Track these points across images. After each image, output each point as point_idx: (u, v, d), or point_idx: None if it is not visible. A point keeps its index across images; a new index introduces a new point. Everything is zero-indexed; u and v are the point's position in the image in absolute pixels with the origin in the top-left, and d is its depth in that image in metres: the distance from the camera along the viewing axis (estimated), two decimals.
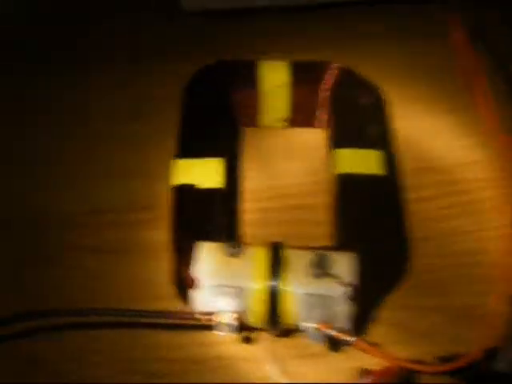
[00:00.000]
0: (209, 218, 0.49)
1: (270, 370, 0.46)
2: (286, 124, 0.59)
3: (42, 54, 0.65)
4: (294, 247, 0.46)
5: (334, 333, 0.43)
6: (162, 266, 0.50)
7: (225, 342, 0.48)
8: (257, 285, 0.44)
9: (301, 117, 0.58)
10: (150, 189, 0.55)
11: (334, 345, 0.46)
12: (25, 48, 0.65)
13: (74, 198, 0.55)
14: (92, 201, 0.55)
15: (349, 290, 0.44)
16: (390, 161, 0.54)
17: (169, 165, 0.52)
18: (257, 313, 0.44)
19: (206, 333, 0.47)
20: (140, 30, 0.67)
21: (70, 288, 0.50)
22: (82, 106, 0.61)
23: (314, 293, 0.44)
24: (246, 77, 0.57)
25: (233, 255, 0.45)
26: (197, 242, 0.46)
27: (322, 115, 0.58)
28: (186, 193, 0.50)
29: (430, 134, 0.59)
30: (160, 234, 0.51)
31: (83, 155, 0.58)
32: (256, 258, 0.45)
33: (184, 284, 0.46)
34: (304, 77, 0.57)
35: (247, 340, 0.48)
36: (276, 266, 0.44)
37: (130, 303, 0.47)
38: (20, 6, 0.68)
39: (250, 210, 0.54)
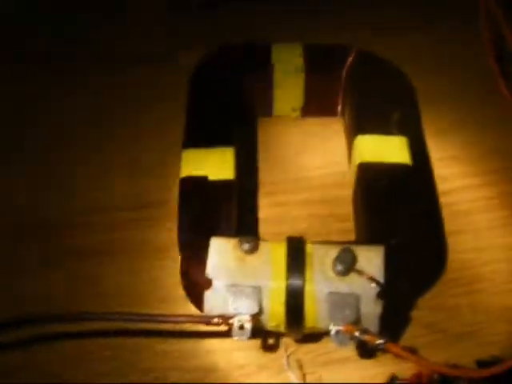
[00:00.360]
0: (220, 212, 0.45)
1: (292, 380, 0.42)
2: (302, 113, 0.55)
3: (41, 53, 0.62)
4: (315, 242, 0.41)
5: (362, 335, 0.39)
6: (170, 267, 0.46)
7: (241, 348, 0.43)
8: (276, 283, 0.40)
9: (318, 105, 0.55)
10: (153, 185, 0.52)
11: (363, 349, 0.42)
12: (25, 48, 0.63)
13: (71, 198, 0.52)
14: (91, 200, 0.51)
15: (378, 287, 0.39)
16: (418, 149, 0.50)
17: (174, 159, 0.49)
18: (276, 315, 0.40)
19: (220, 338, 0.43)
20: (143, 24, 0.64)
21: (68, 292, 0.46)
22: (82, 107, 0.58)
23: (340, 291, 0.40)
24: (259, 61, 0.53)
25: (248, 251, 0.41)
26: (208, 239, 0.41)
27: (341, 102, 0.54)
28: (194, 185, 0.46)
29: (456, 124, 0.56)
30: (164, 233, 0.48)
31: (81, 155, 0.55)
32: (274, 254, 0.41)
33: (194, 285, 0.42)
34: (321, 62, 0.54)
35: (266, 346, 0.43)
36: (297, 262, 0.40)
37: (134, 308, 0.43)
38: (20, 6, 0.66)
39: (265, 204, 0.51)
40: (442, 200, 0.51)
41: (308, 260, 0.40)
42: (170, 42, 0.62)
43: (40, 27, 0.64)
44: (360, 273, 0.40)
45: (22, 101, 0.58)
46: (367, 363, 0.43)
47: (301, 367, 0.43)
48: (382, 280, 0.40)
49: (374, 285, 0.39)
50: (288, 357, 0.43)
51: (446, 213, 0.50)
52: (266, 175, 0.52)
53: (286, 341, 0.43)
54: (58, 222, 0.50)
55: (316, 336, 0.43)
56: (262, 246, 0.41)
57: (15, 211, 0.51)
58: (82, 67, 0.60)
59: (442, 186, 0.51)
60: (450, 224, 0.49)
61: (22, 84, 0.59)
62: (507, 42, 0.44)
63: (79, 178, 0.53)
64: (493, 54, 0.57)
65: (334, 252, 0.40)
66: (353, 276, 0.40)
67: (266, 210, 0.50)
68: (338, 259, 0.40)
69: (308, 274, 0.40)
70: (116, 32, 0.63)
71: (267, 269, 0.40)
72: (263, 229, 0.49)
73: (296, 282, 0.40)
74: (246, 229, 0.48)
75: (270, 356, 0.43)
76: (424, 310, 0.45)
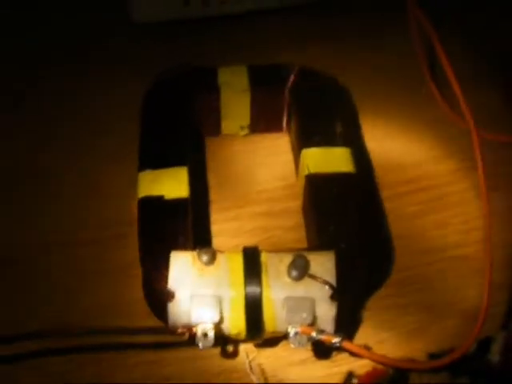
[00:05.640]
0: (178, 228, 0.46)
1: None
2: (249, 131, 0.58)
3: None
4: (270, 250, 0.44)
5: (318, 336, 0.41)
6: (133, 284, 0.47)
7: (204, 356, 0.45)
8: (235, 292, 0.42)
9: (264, 122, 0.57)
10: (113, 207, 0.53)
11: (320, 349, 0.44)
12: None
13: (32, 220, 0.52)
14: (52, 221, 0.52)
15: (331, 289, 0.42)
16: (361, 158, 0.52)
17: (132, 180, 0.50)
18: (237, 322, 0.42)
19: (184, 348, 0.45)
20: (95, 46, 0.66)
21: (32, 312, 0.47)
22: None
23: (296, 295, 0.42)
24: (207, 84, 0.55)
25: (207, 262, 0.42)
26: (168, 253, 0.43)
27: (286, 118, 0.56)
28: (151, 204, 0.47)
29: (396, 131, 0.59)
30: (126, 252, 0.49)
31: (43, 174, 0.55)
32: (232, 264, 0.43)
33: (157, 298, 0.44)
34: (265, 81, 0.56)
35: (228, 353, 0.45)
36: (253, 270, 0.42)
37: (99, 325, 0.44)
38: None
39: (218, 220, 0.53)
40: (387, 205, 0.53)
41: (264, 268, 0.42)
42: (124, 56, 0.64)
43: None
44: (313, 277, 0.42)
45: None
46: (325, 363, 0.45)
47: (262, 371, 0.44)
48: (334, 283, 0.42)
49: (327, 288, 0.42)
50: (250, 362, 0.45)
51: (391, 217, 0.52)
52: (218, 192, 0.54)
53: (247, 347, 0.45)
54: (20, 243, 0.51)
55: (275, 340, 0.45)
56: (220, 256, 0.43)
57: None
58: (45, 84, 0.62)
59: (385, 192, 0.54)
60: (395, 228, 0.52)
61: None
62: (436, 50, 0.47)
63: (39, 199, 0.53)
64: (425, 61, 0.60)
65: (287, 259, 0.42)
66: (307, 280, 0.42)
67: (219, 225, 0.52)
68: (292, 265, 0.42)
69: (264, 280, 0.42)
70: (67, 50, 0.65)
71: (226, 278, 0.42)
72: (218, 243, 0.51)
73: (254, 289, 0.42)
74: (203, 243, 0.49)
75: (232, 363, 0.45)
76: (375, 310, 0.47)
